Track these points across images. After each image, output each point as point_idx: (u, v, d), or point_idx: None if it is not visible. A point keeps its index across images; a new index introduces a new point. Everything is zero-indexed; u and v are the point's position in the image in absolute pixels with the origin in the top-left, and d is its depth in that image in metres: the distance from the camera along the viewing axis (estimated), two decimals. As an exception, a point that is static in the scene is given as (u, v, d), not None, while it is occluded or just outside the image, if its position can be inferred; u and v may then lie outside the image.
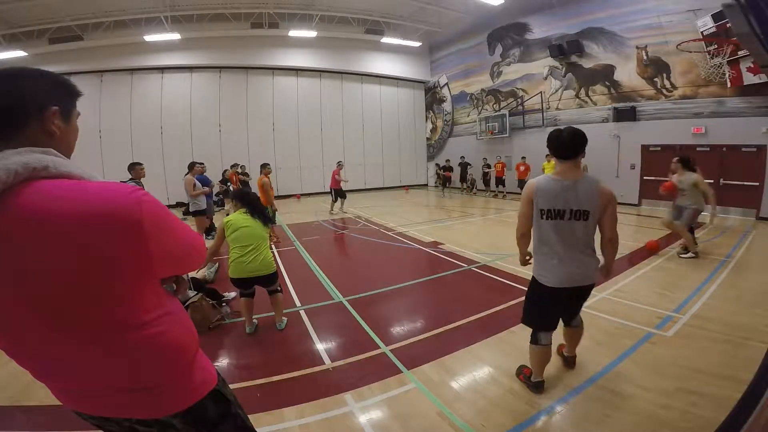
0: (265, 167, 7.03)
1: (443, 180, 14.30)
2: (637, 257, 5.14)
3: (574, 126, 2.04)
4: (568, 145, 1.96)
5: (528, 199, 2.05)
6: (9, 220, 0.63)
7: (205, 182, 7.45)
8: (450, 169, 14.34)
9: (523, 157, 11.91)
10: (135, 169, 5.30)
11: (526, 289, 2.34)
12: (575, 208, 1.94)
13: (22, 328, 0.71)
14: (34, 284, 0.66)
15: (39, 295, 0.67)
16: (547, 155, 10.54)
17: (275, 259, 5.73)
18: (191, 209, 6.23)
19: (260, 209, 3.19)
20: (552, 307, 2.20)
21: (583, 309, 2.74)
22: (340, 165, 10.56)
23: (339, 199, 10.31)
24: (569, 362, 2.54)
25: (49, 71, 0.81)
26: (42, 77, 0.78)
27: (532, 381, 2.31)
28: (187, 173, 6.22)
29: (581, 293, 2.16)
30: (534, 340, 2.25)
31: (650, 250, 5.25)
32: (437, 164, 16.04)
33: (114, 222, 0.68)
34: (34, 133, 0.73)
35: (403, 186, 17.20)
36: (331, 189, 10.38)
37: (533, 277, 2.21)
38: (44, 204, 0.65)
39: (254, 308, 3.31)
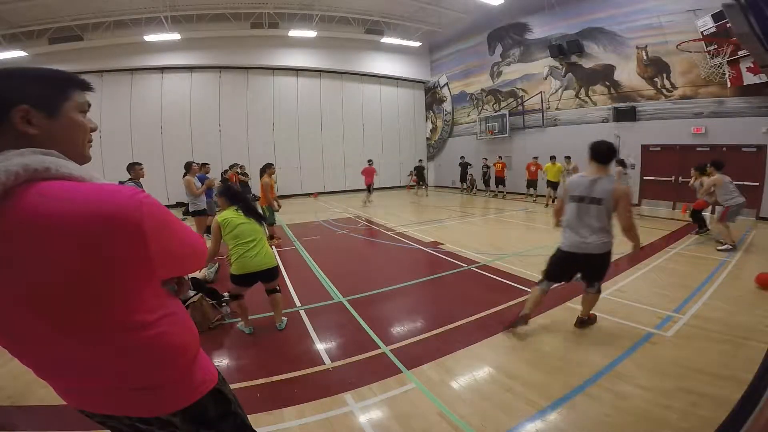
0: (269, 167, 6.87)
1: (417, 183, 15.19)
2: (636, 257, 5.13)
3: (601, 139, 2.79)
4: (605, 154, 2.72)
5: (565, 190, 2.94)
6: (9, 221, 0.63)
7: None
8: (412, 174, 15.40)
9: (535, 157, 11.43)
10: (134, 169, 5.28)
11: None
12: (592, 195, 2.69)
13: (23, 328, 0.71)
14: (34, 285, 0.66)
15: (39, 296, 0.67)
16: (552, 157, 10.32)
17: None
18: (191, 209, 6.22)
19: (251, 207, 3.13)
20: (563, 266, 2.89)
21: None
22: (371, 163, 12.29)
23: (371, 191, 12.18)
24: (582, 323, 3.08)
25: (31, 67, 0.77)
26: (12, 77, 0.74)
27: (520, 315, 3.01)
28: (185, 174, 6.11)
29: (593, 261, 2.77)
30: (538, 282, 3.04)
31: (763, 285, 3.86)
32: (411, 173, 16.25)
33: (114, 224, 0.68)
34: (9, 136, 0.70)
35: (405, 186, 17.20)
36: (368, 185, 12.02)
37: (559, 245, 2.94)
38: (45, 206, 0.65)
39: (254, 308, 3.30)
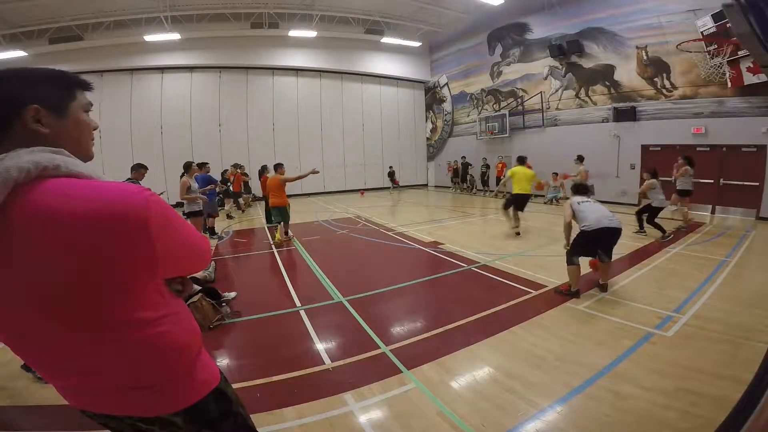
0: (280, 167, 6.95)
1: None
2: (637, 257, 5.14)
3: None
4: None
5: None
6: (19, 217, 0.64)
7: (210, 181, 7.37)
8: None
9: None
10: (139, 170, 5.32)
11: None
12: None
13: (26, 325, 0.71)
14: (39, 282, 0.67)
15: (44, 294, 0.68)
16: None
17: (276, 260, 5.73)
18: (185, 210, 6.04)
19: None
20: (588, 245, 3.69)
21: (583, 309, 2.87)
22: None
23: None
24: (604, 288, 3.77)
25: (38, 68, 0.78)
26: (22, 77, 0.75)
27: (572, 290, 3.64)
28: (183, 174, 6.00)
29: (611, 234, 3.63)
30: (571, 262, 3.64)
31: None
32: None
33: (121, 222, 0.69)
34: (20, 136, 0.72)
35: (404, 185, 17.23)
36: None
37: (581, 230, 3.68)
38: (53, 202, 0.65)
39: (253, 308, 3.29)
